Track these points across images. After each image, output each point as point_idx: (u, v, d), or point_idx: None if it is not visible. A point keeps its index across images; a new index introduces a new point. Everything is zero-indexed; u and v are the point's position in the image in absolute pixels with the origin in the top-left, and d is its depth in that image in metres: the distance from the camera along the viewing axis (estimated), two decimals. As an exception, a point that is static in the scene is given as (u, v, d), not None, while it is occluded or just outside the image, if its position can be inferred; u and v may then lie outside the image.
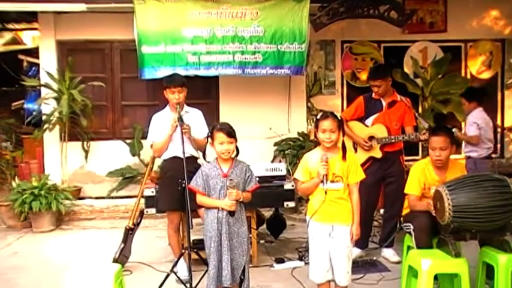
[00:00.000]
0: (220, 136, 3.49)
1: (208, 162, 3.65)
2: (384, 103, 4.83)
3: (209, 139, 3.59)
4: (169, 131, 4.27)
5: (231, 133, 3.51)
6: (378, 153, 4.76)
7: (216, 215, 3.50)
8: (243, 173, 3.57)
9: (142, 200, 4.78)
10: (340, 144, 3.47)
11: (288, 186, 4.83)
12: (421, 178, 4.00)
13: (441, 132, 3.87)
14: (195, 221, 4.03)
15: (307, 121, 7.34)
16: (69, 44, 6.99)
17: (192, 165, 4.13)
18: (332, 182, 3.40)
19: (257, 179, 3.72)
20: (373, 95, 4.88)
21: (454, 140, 3.70)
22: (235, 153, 3.57)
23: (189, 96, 4.47)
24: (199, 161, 4.28)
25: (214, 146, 3.54)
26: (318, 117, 3.48)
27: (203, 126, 4.43)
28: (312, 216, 3.45)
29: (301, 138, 7.12)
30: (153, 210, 4.68)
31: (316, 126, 3.46)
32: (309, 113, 7.39)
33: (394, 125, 4.79)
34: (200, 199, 3.56)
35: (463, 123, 7.59)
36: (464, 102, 5.78)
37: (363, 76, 7.48)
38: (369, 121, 4.87)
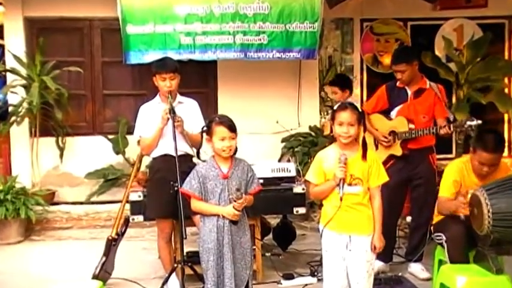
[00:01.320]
0: (220, 131, 3.51)
1: (204, 161, 3.67)
2: (409, 92, 4.84)
3: (205, 134, 3.62)
4: (159, 125, 4.28)
5: (233, 127, 3.54)
6: (397, 151, 4.79)
7: (215, 223, 3.51)
8: (244, 173, 3.59)
9: (128, 206, 4.80)
10: (360, 141, 3.49)
11: (297, 189, 4.85)
12: (457, 180, 4.02)
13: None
14: (189, 230, 4.05)
15: (320, 113, 7.35)
16: (40, 22, 7.01)
17: (186, 164, 4.15)
18: (350, 185, 3.42)
19: (260, 180, 3.74)
20: (398, 82, 4.89)
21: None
22: (234, 150, 3.59)
23: (182, 84, 4.48)
24: (194, 160, 4.29)
25: (213, 143, 3.55)
26: (335, 108, 3.51)
27: (199, 120, 4.45)
28: (326, 225, 3.47)
29: (313, 133, 7.14)
30: (140, 218, 4.71)
31: (333, 119, 3.49)
32: (322, 104, 7.40)
33: (421, 117, 4.79)
34: (196, 205, 3.58)
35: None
36: (337, 91, 5.77)
37: (386, 60, 7.48)
38: (393, 113, 4.90)
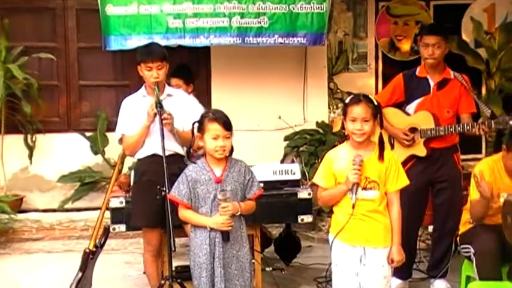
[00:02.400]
0: (214, 128, 3.51)
1: (194, 162, 3.68)
2: (432, 83, 4.82)
3: (196, 132, 3.62)
4: (145, 121, 4.27)
5: (228, 124, 3.54)
6: (421, 151, 4.78)
7: (207, 234, 3.53)
8: (241, 175, 3.60)
9: (108, 214, 4.80)
10: (376, 139, 3.50)
11: (303, 194, 4.85)
12: (489, 181, 4.03)
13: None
14: (179, 241, 4.07)
15: (329, 107, 7.37)
16: (4, 1, 6.98)
17: (175, 166, 4.11)
18: (364, 189, 3.43)
19: (261, 184, 3.75)
20: (418, 71, 4.87)
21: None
22: (229, 150, 3.60)
23: (172, 74, 4.47)
24: (185, 161, 4.27)
25: (205, 142, 3.56)
26: (347, 101, 3.51)
27: (193, 114, 4.37)
28: (336, 235, 3.48)
29: (321, 130, 7.15)
30: (122, 227, 4.70)
31: (344, 114, 3.49)
32: (331, 96, 7.42)
33: (445, 112, 4.79)
34: (184, 214, 3.59)
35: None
36: (181, 85, 5.55)
37: (405, 46, 7.49)
38: (411, 107, 4.87)
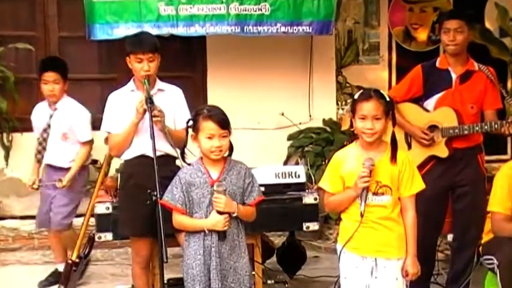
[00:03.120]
0: (208, 127, 3.52)
1: (189, 164, 3.67)
2: (454, 75, 4.81)
3: (190, 131, 3.62)
4: (133, 119, 4.27)
5: (225, 122, 3.54)
6: (442, 151, 4.78)
7: (201, 243, 3.53)
8: (240, 179, 3.60)
9: (93, 221, 4.80)
10: (388, 139, 3.50)
11: (309, 199, 4.85)
12: (512, 188, 4.03)
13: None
14: (171, 251, 4.05)
15: (337, 103, 7.38)
16: (-24, -14, 7.02)
17: (167, 168, 4.15)
18: (375, 194, 3.44)
19: (261, 188, 3.75)
20: (438, 62, 4.87)
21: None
22: (227, 151, 3.61)
23: (162, 66, 4.48)
24: (177, 163, 4.28)
25: (199, 141, 3.56)
26: (356, 97, 3.51)
27: (184, 112, 4.45)
28: (345, 245, 3.49)
29: (328, 128, 7.16)
30: (109, 236, 4.69)
31: (353, 111, 3.49)
32: (340, 91, 7.43)
33: (469, 108, 4.79)
34: (179, 220, 3.59)
35: None
36: (59, 81, 5.51)
37: (422, 35, 7.50)
38: (430, 102, 4.87)
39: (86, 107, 6.95)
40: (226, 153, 3.61)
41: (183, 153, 3.80)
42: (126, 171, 4.49)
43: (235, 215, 3.52)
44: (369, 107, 3.42)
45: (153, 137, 4.11)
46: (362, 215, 3.40)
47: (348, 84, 7.39)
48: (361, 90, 3.55)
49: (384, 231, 3.45)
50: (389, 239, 3.46)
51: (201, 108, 3.63)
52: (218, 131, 3.51)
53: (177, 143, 4.25)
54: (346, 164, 3.52)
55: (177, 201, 3.57)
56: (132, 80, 4.46)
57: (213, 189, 3.51)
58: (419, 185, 3.53)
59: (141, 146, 4.31)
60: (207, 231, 3.50)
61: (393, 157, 3.47)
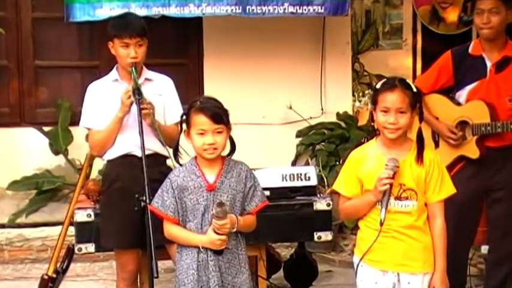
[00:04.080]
0: (199, 121, 3.50)
1: (181, 165, 3.67)
2: (489, 63, 4.78)
3: (184, 125, 3.62)
4: (118, 113, 4.27)
5: (218, 116, 3.52)
6: (473, 152, 4.76)
7: (195, 257, 3.53)
8: (241, 182, 3.59)
9: (72, 230, 4.79)
10: (414, 136, 3.49)
11: (320, 205, 4.85)
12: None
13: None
14: (162, 265, 4.08)
15: (353, 95, 7.36)
16: None
17: (156, 169, 4.15)
18: (399, 198, 3.43)
19: (266, 193, 3.76)
20: (471, 48, 4.85)
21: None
22: (225, 149, 3.59)
23: (151, 52, 4.49)
24: (169, 163, 4.27)
25: (191, 138, 3.56)
26: (378, 86, 3.50)
27: (175, 105, 4.46)
28: (363, 257, 3.48)
29: (343, 123, 7.16)
30: (91, 248, 4.69)
31: (374, 103, 3.48)
32: (356, 80, 7.42)
33: (505, 101, 4.75)
34: (170, 231, 3.59)
35: None
36: None
37: (451, 16, 7.50)
38: (462, 94, 4.85)
39: (64, 99, 7.03)
40: (225, 152, 3.60)
41: (176, 152, 3.76)
42: (109, 173, 4.47)
43: (234, 230, 3.51)
44: (392, 99, 3.41)
45: (141, 133, 4.10)
46: (382, 223, 3.38)
47: (365, 73, 7.39)
48: (384, 79, 3.54)
49: (408, 241, 3.45)
50: (414, 251, 3.46)
51: (195, 101, 3.61)
52: (211, 125, 3.49)
53: (168, 140, 4.26)
54: (365, 164, 3.51)
55: (168, 209, 3.55)
56: (115, 68, 4.45)
57: (210, 195, 3.52)
58: (449, 189, 3.53)
59: (127, 144, 4.31)
60: (202, 249, 3.50)
61: (419, 157, 3.46)
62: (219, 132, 3.51)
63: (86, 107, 4.45)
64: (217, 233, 3.43)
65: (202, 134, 3.50)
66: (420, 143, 3.48)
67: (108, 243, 4.51)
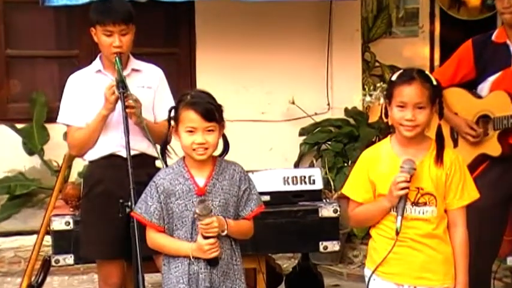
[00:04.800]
0: (189, 118, 3.49)
1: (168, 167, 3.66)
2: (513, 50, 4.82)
3: (172, 122, 3.61)
4: (102, 110, 4.27)
5: (210, 112, 3.50)
6: (494, 148, 4.76)
7: (186, 269, 3.52)
8: (234, 184, 3.59)
9: (49, 240, 4.79)
10: (433, 134, 3.49)
11: (327, 211, 4.85)
12: None
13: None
14: (150, 278, 4.13)
15: (363, 88, 7.38)
16: None
17: (143, 171, 4.12)
18: (416, 204, 3.42)
19: (264, 197, 3.80)
20: (494, 35, 4.85)
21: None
22: (217, 149, 3.57)
23: (138, 40, 4.49)
24: (158, 164, 4.28)
25: (180, 136, 3.55)
26: (394, 78, 3.49)
27: (166, 99, 4.46)
28: (375, 270, 3.47)
29: (351, 120, 7.17)
30: (69, 259, 4.68)
31: (389, 97, 3.48)
32: (367, 72, 7.44)
33: (530, 92, 4.78)
34: (154, 239, 3.58)
35: None
36: None
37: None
38: (485, 86, 4.85)
39: (40, 93, 7.02)
40: (217, 152, 3.59)
41: (163, 151, 3.76)
42: (91, 176, 4.48)
43: (225, 233, 3.50)
44: (410, 92, 3.39)
45: (127, 132, 4.10)
46: (398, 232, 3.37)
47: (377, 64, 7.41)
48: (401, 71, 3.53)
49: (426, 252, 3.44)
50: (433, 263, 3.45)
51: (185, 94, 3.60)
52: (201, 123, 3.47)
53: (158, 139, 4.23)
54: (378, 166, 3.50)
55: (152, 215, 3.53)
56: (98, 58, 4.44)
57: (199, 199, 3.49)
58: (472, 193, 3.52)
59: (110, 144, 4.31)
60: (192, 259, 3.49)
61: (439, 157, 3.44)
62: (210, 131, 3.49)
63: (64, 100, 4.44)
64: (205, 237, 3.42)
65: (191, 132, 3.48)
66: (440, 142, 3.47)
67: (89, 254, 4.51)
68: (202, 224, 3.39)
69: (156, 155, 4.28)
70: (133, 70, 4.41)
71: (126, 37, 4.29)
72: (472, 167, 4.55)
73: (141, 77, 4.43)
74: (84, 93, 4.38)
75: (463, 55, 4.90)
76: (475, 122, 4.79)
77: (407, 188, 3.36)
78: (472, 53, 4.86)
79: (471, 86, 4.90)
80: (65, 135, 4.61)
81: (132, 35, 4.33)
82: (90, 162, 4.45)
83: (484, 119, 4.77)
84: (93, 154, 4.39)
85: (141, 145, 4.31)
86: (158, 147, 4.22)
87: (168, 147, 3.73)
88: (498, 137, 4.73)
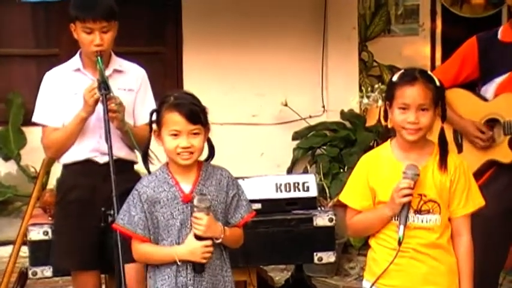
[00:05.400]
0: (173, 120, 3.46)
1: (151, 173, 3.63)
2: (522, 50, 4.82)
3: (154, 126, 3.58)
4: (81, 112, 4.26)
5: (195, 114, 3.47)
6: (505, 155, 4.74)
7: (173, 281, 3.49)
8: (221, 190, 3.56)
9: (25, 251, 4.78)
10: (435, 138, 3.48)
11: (322, 220, 4.84)
12: None
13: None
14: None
15: (360, 89, 7.36)
16: None
17: (123, 177, 4.11)
18: (418, 212, 3.41)
19: (255, 205, 3.80)
20: (500, 33, 4.84)
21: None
22: (202, 153, 3.54)
23: (122, 39, 4.49)
24: (136, 169, 4.29)
25: (163, 140, 3.52)
26: (395, 79, 3.48)
27: (147, 101, 4.46)
28: (375, 282, 3.46)
29: (348, 123, 7.16)
30: (48, 272, 4.66)
31: (389, 99, 3.46)
32: (364, 72, 7.44)
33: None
34: (141, 250, 3.55)
35: None
36: None
37: (477, -4, 7.51)
38: (489, 89, 4.83)
39: (16, 93, 7.00)
40: (202, 156, 3.55)
41: (145, 157, 3.72)
42: (64, 182, 4.49)
43: (219, 241, 3.47)
44: (413, 94, 3.38)
45: (107, 135, 4.08)
46: (400, 243, 3.36)
47: (375, 64, 7.42)
48: (402, 71, 3.52)
49: (429, 263, 3.43)
50: (437, 274, 3.45)
51: (167, 95, 3.56)
52: (186, 126, 3.44)
53: (140, 143, 4.22)
54: (378, 171, 3.49)
55: (137, 226, 3.49)
56: (78, 55, 4.43)
57: (189, 205, 3.46)
58: (477, 201, 3.51)
59: (86, 148, 4.32)
60: (179, 263, 3.44)
61: (443, 162, 3.44)
62: (195, 134, 3.47)
63: (40, 98, 4.43)
64: (198, 237, 3.39)
65: (175, 135, 3.45)
66: (443, 146, 3.47)
67: (62, 264, 4.49)
68: (194, 216, 3.39)
69: (134, 159, 4.32)
70: (116, 71, 4.40)
71: (108, 35, 4.27)
72: (477, 174, 4.54)
73: (123, 78, 4.42)
74: (62, 92, 4.36)
75: (468, 53, 4.88)
76: (483, 126, 4.76)
77: (411, 195, 3.35)
78: (477, 51, 4.84)
79: (471, 87, 4.90)
80: (43, 138, 4.57)
81: (114, 32, 4.32)
82: (64, 166, 4.44)
83: (492, 123, 4.75)
84: (68, 158, 4.37)
85: (119, 151, 4.29)
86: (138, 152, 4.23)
87: (150, 153, 3.70)
88: (509, 142, 4.71)
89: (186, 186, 3.49)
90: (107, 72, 4.27)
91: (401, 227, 3.35)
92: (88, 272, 4.39)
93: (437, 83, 3.45)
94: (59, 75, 4.42)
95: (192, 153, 3.44)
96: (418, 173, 3.36)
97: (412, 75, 3.42)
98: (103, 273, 4.39)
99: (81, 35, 4.26)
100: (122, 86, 4.34)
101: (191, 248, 3.42)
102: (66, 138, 4.30)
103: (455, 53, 4.99)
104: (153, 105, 4.26)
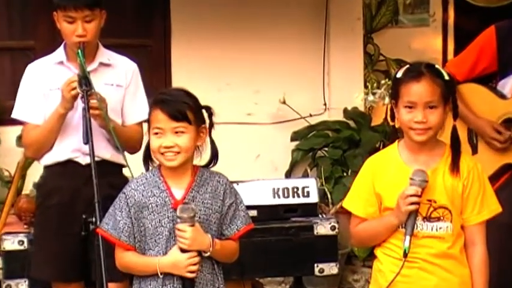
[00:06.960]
0: (156, 117, 3.49)
1: (142, 175, 3.65)
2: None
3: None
4: (59, 108, 4.27)
5: (180, 111, 3.48)
6: None
7: None
8: (217, 198, 3.58)
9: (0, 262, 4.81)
10: (447, 138, 3.50)
11: (323, 228, 4.89)
12: None
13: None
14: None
15: (365, 86, 7.38)
16: None
17: (104, 180, 4.12)
18: (428, 219, 3.43)
19: (252, 213, 3.82)
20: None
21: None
22: (192, 154, 3.56)
23: (107, 31, 4.50)
24: (125, 172, 4.31)
25: (150, 140, 3.54)
26: (399, 75, 3.50)
27: (139, 98, 4.49)
28: None
29: (351, 123, 7.21)
30: (23, 285, 4.71)
31: (395, 96, 3.49)
32: (369, 67, 7.47)
33: None
34: (124, 259, 3.56)
35: None
36: None
37: (492, -16, 7.55)
38: (507, 83, 4.86)
39: None
40: (200, 160, 3.58)
41: (147, 161, 3.69)
42: (44, 185, 4.50)
43: (207, 254, 3.48)
44: (419, 90, 3.41)
45: (87, 134, 4.09)
46: (406, 254, 3.37)
47: (381, 57, 7.43)
48: (407, 66, 3.55)
49: (440, 274, 3.46)
50: (448, 286, 3.48)
51: (160, 92, 3.62)
52: (168, 123, 3.46)
53: (127, 145, 4.27)
54: (385, 176, 3.51)
55: (122, 232, 3.51)
56: (62, 47, 4.46)
57: (175, 214, 3.46)
58: (492, 207, 3.53)
59: (67, 148, 4.33)
60: (160, 275, 3.45)
61: (455, 165, 3.46)
62: (180, 132, 3.48)
63: (21, 93, 4.46)
64: (183, 250, 3.41)
65: (158, 134, 3.48)
66: (456, 147, 3.50)
67: (41, 275, 4.51)
68: (177, 228, 3.40)
69: (123, 162, 4.31)
70: (102, 64, 4.42)
71: (91, 24, 4.29)
72: (493, 178, 4.53)
73: (111, 73, 4.44)
74: (43, 86, 4.39)
75: (485, 44, 4.89)
76: (500, 125, 4.78)
77: (418, 203, 3.36)
78: (495, 42, 4.86)
79: (487, 81, 4.92)
80: (18, 139, 4.59)
81: (99, 22, 4.35)
82: (45, 168, 4.46)
83: (510, 124, 4.77)
84: (48, 159, 4.40)
85: (103, 151, 4.32)
86: (127, 154, 4.25)
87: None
88: None
89: (178, 192, 3.51)
90: (92, 66, 4.31)
91: (407, 237, 3.36)
92: (70, 285, 4.42)
93: (446, 77, 3.46)
94: (40, 68, 4.45)
95: (178, 153, 3.45)
96: (426, 180, 3.36)
97: (417, 70, 3.44)
98: (86, 286, 4.41)
99: (62, 24, 4.29)
100: (109, 81, 4.37)
101: (174, 260, 3.43)
102: (45, 137, 4.33)
103: (471, 44, 5.00)
104: (144, 103, 4.33)
